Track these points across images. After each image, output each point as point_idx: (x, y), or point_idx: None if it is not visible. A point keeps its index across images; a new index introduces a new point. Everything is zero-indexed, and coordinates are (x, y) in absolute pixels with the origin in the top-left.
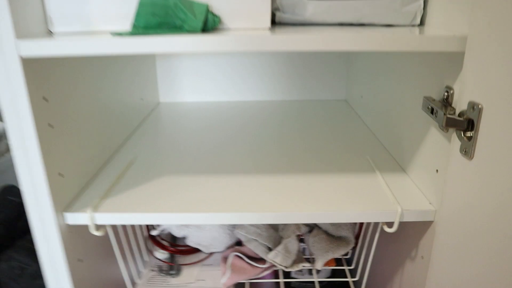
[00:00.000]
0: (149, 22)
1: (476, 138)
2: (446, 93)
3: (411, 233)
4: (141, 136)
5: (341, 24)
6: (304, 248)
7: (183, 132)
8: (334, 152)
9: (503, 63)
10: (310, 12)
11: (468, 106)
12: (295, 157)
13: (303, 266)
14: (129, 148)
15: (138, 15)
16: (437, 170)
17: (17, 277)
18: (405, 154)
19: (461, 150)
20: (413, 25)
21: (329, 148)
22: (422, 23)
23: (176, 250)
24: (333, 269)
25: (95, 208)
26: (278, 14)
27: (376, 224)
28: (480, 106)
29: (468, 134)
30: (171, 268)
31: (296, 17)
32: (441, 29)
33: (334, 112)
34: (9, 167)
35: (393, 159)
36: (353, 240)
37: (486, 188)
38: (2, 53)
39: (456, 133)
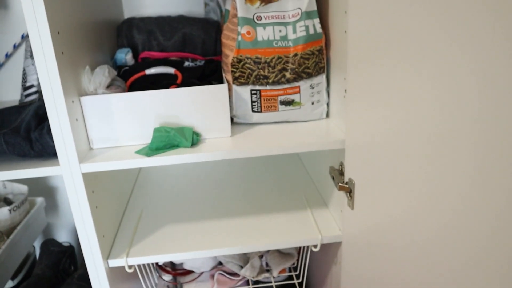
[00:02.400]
0: (159, 145)
1: (354, 199)
2: (340, 166)
3: (332, 248)
4: (139, 193)
5: (276, 122)
6: (265, 262)
7: (170, 187)
8: (282, 194)
9: (364, 159)
10: (255, 119)
11: (349, 180)
12: (256, 203)
13: (265, 276)
14: (134, 204)
15: (152, 142)
16: (341, 210)
17: None
18: (327, 196)
19: (348, 203)
20: (321, 119)
21: (278, 192)
22: (328, 115)
23: (176, 273)
24: (285, 275)
25: (127, 255)
26: (235, 119)
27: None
28: (353, 182)
29: (351, 195)
30: (175, 286)
31: (246, 122)
32: (339, 119)
33: (286, 163)
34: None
35: (321, 198)
36: (296, 255)
37: (360, 225)
38: (71, 174)
39: (345, 193)
